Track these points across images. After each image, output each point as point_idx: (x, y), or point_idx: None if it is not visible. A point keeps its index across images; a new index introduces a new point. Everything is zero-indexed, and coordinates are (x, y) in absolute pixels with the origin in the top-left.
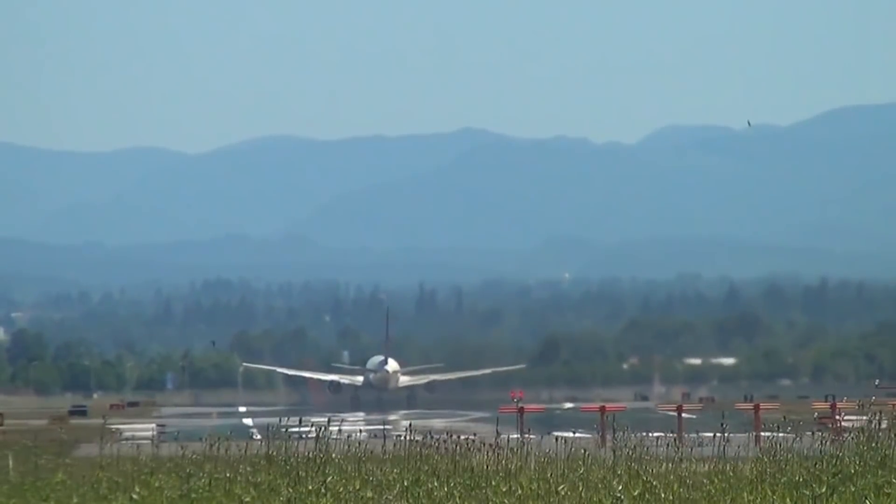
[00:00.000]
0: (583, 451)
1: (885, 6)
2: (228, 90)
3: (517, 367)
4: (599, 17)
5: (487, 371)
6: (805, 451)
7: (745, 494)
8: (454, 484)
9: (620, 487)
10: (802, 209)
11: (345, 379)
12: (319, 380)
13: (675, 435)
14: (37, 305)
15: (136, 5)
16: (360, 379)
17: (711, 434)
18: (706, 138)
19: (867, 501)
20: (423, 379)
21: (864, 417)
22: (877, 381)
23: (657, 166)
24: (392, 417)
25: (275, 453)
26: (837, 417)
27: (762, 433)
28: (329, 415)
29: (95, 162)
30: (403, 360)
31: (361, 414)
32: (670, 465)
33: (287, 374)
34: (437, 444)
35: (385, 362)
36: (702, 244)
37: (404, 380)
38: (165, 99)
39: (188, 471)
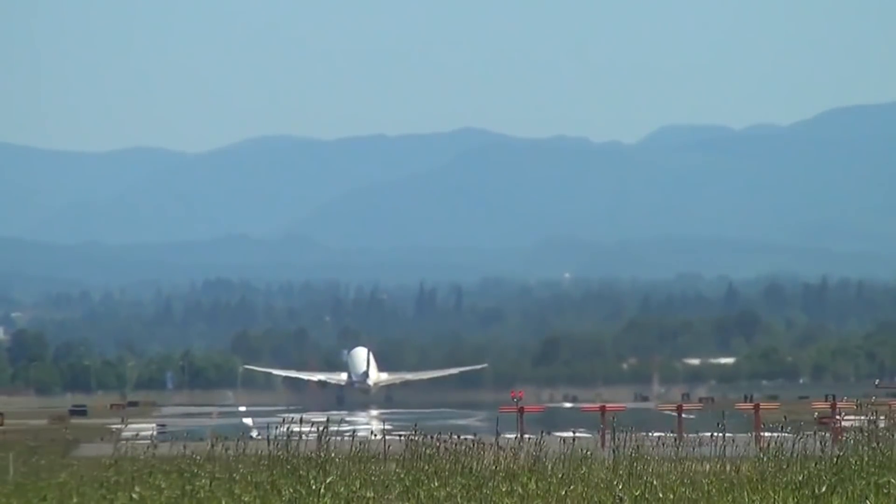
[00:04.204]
0: (581, 450)
1: (884, 6)
2: (228, 90)
3: (480, 366)
4: (600, 18)
5: (454, 371)
6: (805, 451)
7: (746, 494)
8: (455, 484)
9: (621, 487)
10: (802, 209)
11: (331, 378)
12: (310, 380)
13: (675, 435)
14: (37, 305)
15: (135, 5)
16: (344, 377)
17: (711, 434)
18: (706, 138)
19: (867, 501)
20: (398, 379)
21: (864, 417)
22: (877, 381)
23: (657, 166)
24: (374, 413)
25: (275, 454)
26: (837, 417)
27: (762, 433)
28: (329, 414)
29: (95, 162)
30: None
31: (364, 413)
32: (670, 465)
33: (283, 376)
34: (437, 444)
35: (367, 374)
36: (702, 244)
37: (383, 378)
38: (165, 99)
39: (192, 471)
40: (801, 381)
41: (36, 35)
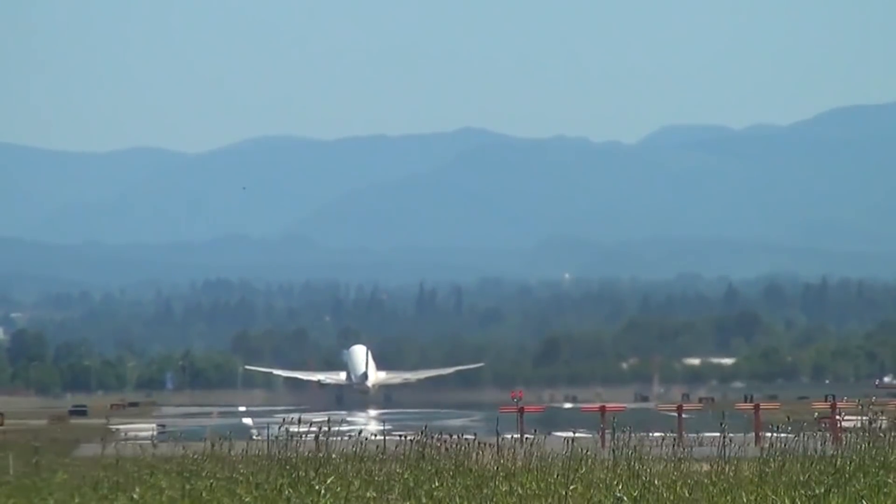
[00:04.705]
0: (581, 450)
1: (885, 6)
2: (228, 90)
3: (477, 365)
4: (599, 18)
5: (451, 370)
6: (805, 451)
7: (745, 494)
8: (455, 483)
9: (621, 487)
10: (802, 209)
11: (330, 378)
12: (309, 380)
13: (675, 435)
14: (37, 305)
15: (136, 5)
16: (343, 377)
17: (712, 434)
18: (706, 138)
19: (866, 501)
20: (397, 378)
21: (864, 417)
22: (877, 381)
23: (657, 166)
24: (373, 414)
25: (275, 454)
26: (837, 417)
27: (762, 433)
28: (328, 414)
29: (95, 162)
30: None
31: (363, 414)
32: (670, 465)
33: (284, 376)
34: (438, 445)
35: (366, 376)
36: (702, 244)
37: (381, 377)
38: (165, 99)
39: (193, 471)
40: (825, 381)
41: (36, 35)
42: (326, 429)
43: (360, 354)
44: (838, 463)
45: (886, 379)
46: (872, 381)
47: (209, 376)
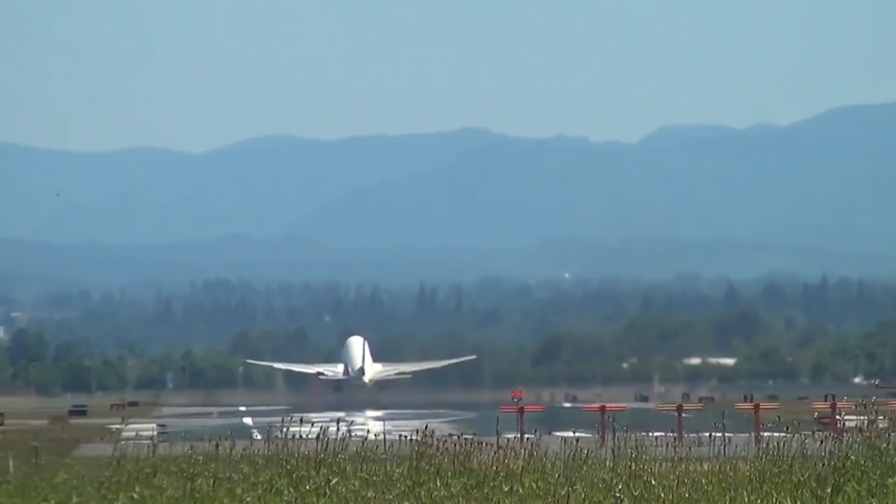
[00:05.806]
0: (581, 450)
1: (884, 6)
2: (228, 90)
3: (469, 357)
4: (599, 17)
5: (444, 363)
6: (806, 451)
7: (745, 494)
8: (455, 484)
9: (621, 487)
10: (802, 209)
11: (328, 370)
12: (308, 373)
13: (675, 435)
14: (37, 305)
15: (137, 6)
16: (341, 369)
17: (712, 433)
18: (706, 138)
19: (870, 501)
20: (393, 370)
21: (864, 417)
22: (876, 381)
23: (657, 166)
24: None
25: (275, 454)
26: (838, 417)
27: (762, 433)
28: (329, 414)
29: (95, 162)
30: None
31: (362, 414)
32: (670, 465)
33: (283, 370)
34: (438, 444)
35: (363, 371)
36: (702, 244)
37: (378, 369)
38: (165, 99)
39: (193, 471)
40: (855, 381)
41: (37, 35)
42: (327, 429)
43: (356, 347)
44: (838, 462)
45: (857, 380)
46: (872, 382)
47: (209, 376)
